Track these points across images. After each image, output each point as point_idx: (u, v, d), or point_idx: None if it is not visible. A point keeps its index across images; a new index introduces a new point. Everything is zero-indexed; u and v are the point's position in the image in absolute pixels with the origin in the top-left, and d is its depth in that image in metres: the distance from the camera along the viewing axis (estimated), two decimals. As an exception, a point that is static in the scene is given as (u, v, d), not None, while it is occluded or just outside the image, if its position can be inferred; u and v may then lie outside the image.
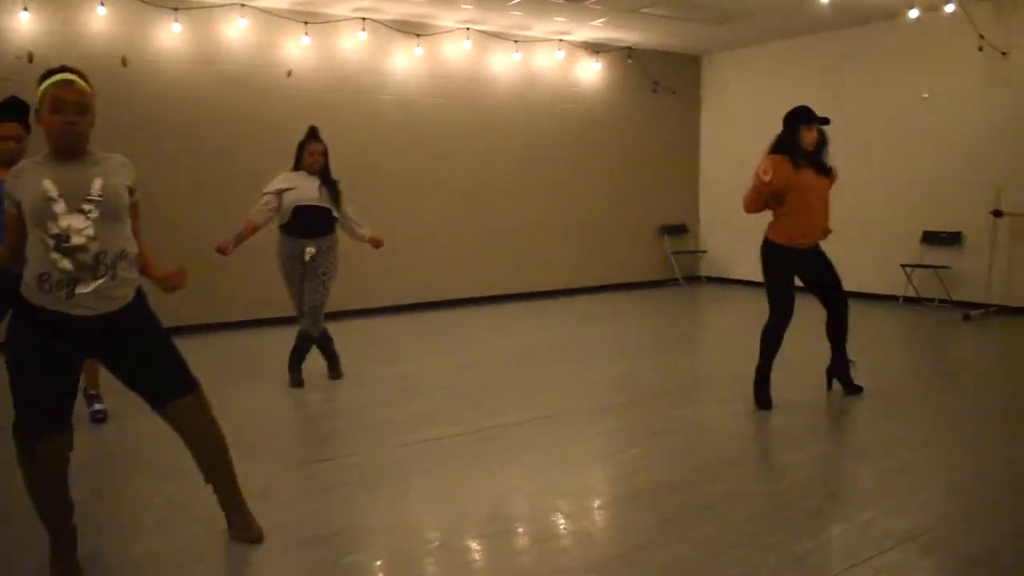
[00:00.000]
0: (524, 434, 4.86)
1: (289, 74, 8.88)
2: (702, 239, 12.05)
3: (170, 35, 8.27)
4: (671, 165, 11.70)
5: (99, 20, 7.97)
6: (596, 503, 3.91)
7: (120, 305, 2.98)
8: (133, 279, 3.06)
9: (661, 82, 11.41)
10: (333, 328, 6.52)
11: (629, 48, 11.05)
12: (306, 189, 5.80)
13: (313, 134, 5.98)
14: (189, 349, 3.45)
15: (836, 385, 5.63)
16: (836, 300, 5.35)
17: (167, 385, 3.13)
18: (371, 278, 9.43)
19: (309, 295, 5.88)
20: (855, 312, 5.66)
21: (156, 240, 8.14)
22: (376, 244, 6.26)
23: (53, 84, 2.89)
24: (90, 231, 2.86)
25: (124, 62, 8.09)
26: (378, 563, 3.24)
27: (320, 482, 4.12)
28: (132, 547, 3.38)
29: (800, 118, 5.11)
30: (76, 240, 2.84)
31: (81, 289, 2.87)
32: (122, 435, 4.97)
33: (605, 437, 4.85)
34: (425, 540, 3.44)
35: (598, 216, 11.10)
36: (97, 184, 2.92)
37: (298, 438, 5.04)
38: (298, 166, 5.93)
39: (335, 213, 5.94)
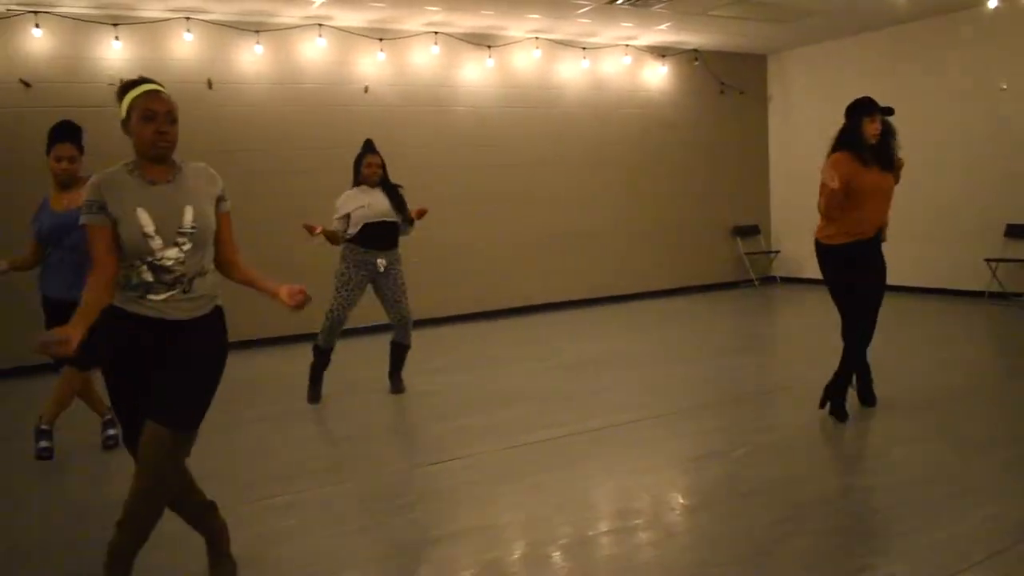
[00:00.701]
0: (630, 434, 4.93)
1: (366, 90, 9.08)
2: (774, 239, 11.99)
3: (252, 57, 8.53)
4: (741, 165, 11.68)
5: (185, 45, 8.25)
6: (716, 499, 3.95)
7: (187, 316, 2.93)
8: (204, 294, 2.98)
9: (728, 83, 11.41)
10: (419, 336, 6.65)
11: (695, 50, 11.07)
12: (375, 204, 5.91)
13: (369, 147, 6.09)
14: (276, 360, 3.55)
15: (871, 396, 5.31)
16: (876, 304, 5.00)
17: (159, 402, 2.85)
18: (452, 285, 9.61)
19: (396, 308, 6.04)
20: (940, 308, 5.58)
21: (243, 256, 8.47)
22: (420, 214, 6.18)
23: (142, 95, 2.92)
24: (180, 258, 2.90)
25: (210, 84, 8.36)
26: (516, 558, 3.33)
27: (445, 483, 4.23)
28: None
29: (862, 109, 4.85)
30: (166, 263, 2.88)
31: (153, 297, 2.89)
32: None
33: (709, 436, 4.89)
34: (558, 536, 3.52)
35: (670, 219, 11.13)
36: (188, 215, 2.92)
37: (412, 441, 5.15)
38: (358, 180, 6.06)
39: (401, 224, 6.03)
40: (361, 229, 5.89)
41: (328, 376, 6.16)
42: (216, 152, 8.35)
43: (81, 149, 4.80)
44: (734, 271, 11.72)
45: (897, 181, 5.01)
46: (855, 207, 4.83)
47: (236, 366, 7.35)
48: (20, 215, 5.35)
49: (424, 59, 9.39)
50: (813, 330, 8.16)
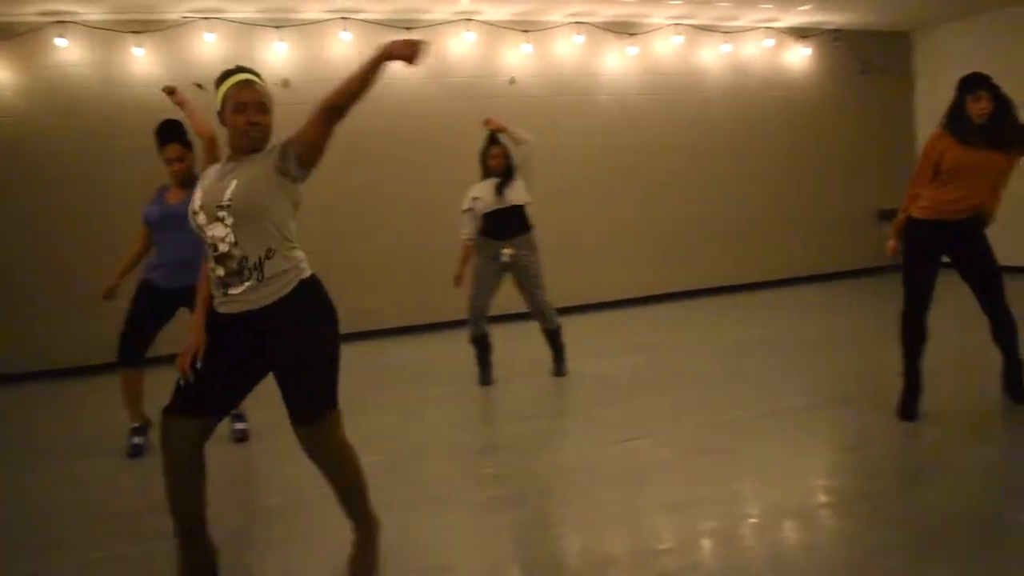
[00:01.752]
0: (810, 416, 4.93)
1: (512, 81, 9.26)
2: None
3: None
4: (886, 147, 11.37)
5: (343, 44, 8.59)
6: (919, 479, 3.94)
7: (271, 300, 2.89)
8: (282, 274, 2.92)
9: (870, 62, 11.13)
10: (578, 321, 6.75)
11: (836, 30, 10.84)
12: (487, 196, 6.05)
13: (491, 139, 6.20)
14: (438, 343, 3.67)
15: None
16: (991, 296, 4.70)
17: (292, 405, 2.95)
18: (596, 273, 9.72)
19: (531, 299, 6.21)
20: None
21: (400, 244, 8.84)
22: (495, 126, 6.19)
23: (233, 85, 2.93)
24: (231, 238, 2.84)
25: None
26: (738, 528, 3.42)
27: (642, 458, 4.35)
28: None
29: (964, 87, 4.48)
30: (221, 248, 2.86)
31: (233, 291, 2.90)
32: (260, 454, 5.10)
33: (876, 423, 4.80)
34: (775, 506, 3.59)
35: (813, 203, 10.95)
36: (230, 189, 2.84)
37: (597, 420, 5.22)
38: (486, 174, 6.22)
39: (517, 202, 6.07)
40: (483, 220, 6.08)
41: (508, 361, 6.37)
42: (370, 147, 8.74)
43: (188, 145, 4.93)
44: (880, 256, 11.41)
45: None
46: (945, 184, 4.56)
47: (401, 350, 7.67)
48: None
49: (567, 49, 9.51)
50: (965, 317, 7.91)
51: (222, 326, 2.97)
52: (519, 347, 7.26)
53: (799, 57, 10.78)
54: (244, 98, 2.91)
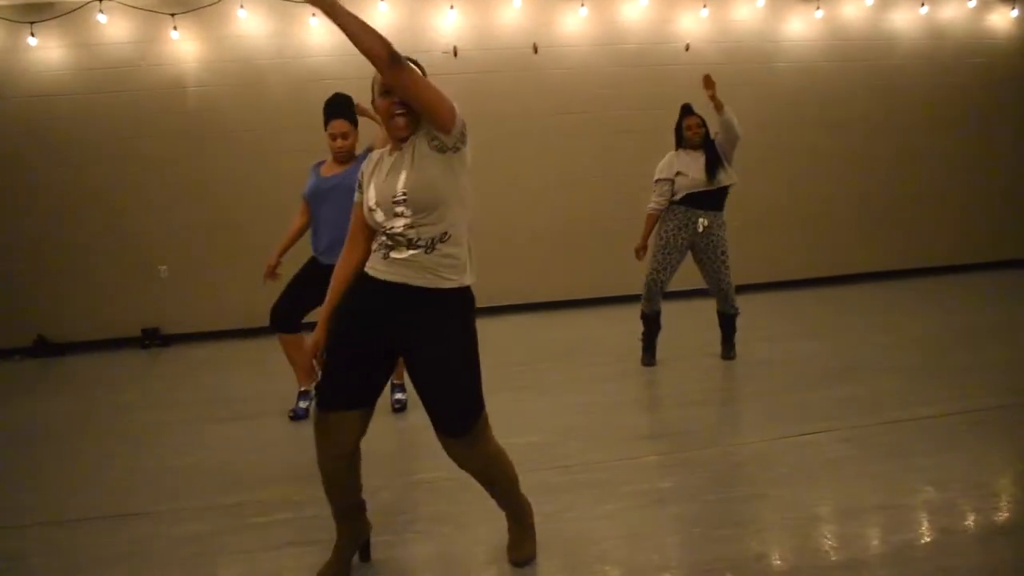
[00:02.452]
0: (1000, 421, 4.43)
1: (687, 48, 8.87)
2: None
3: (576, 20, 8.58)
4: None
5: (513, 11, 8.45)
6: None
7: (430, 284, 2.75)
8: (452, 261, 2.78)
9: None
10: (751, 301, 6.38)
11: (1053, -10, 9.80)
12: (694, 174, 5.79)
13: (687, 109, 5.98)
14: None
15: None
16: None
17: (436, 416, 2.84)
18: (777, 248, 9.30)
19: (715, 280, 5.93)
20: None
21: (561, 216, 8.69)
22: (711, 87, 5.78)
23: None
24: (408, 223, 2.75)
25: (535, 49, 8.53)
26: (919, 541, 3.08)
27: (819, 455, 4.03)
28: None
29: None
30: (395, 231, 2.76)
31: (396, 255, 2.77)
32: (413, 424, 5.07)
33: None
34: (952, 521, 3.23)
35: (1003, 184, 9.99)
36: (401, 181, 2.73)
37: (769, 409, 4.91)
38: (680, 144, 5.96)
39: (729, 182, 5.86)
40: (684, 197, 5.85)
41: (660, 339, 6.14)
42: (541, 116, 8.63)
43: (355, 123, 4.84)
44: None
45: None
46: None
47: (561, 326, 7.54)
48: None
49: (748, 13, 9.01)
50: None
51: (368, 295, 2.83)
52: (682, 326, 6.99)
53: (1006, 20, 9.80)
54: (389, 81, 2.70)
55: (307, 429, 4.78)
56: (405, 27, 8.28)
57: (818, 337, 6.72)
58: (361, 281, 2.88)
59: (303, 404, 5.18)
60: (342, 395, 2.82)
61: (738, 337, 6.23)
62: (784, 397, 5.07)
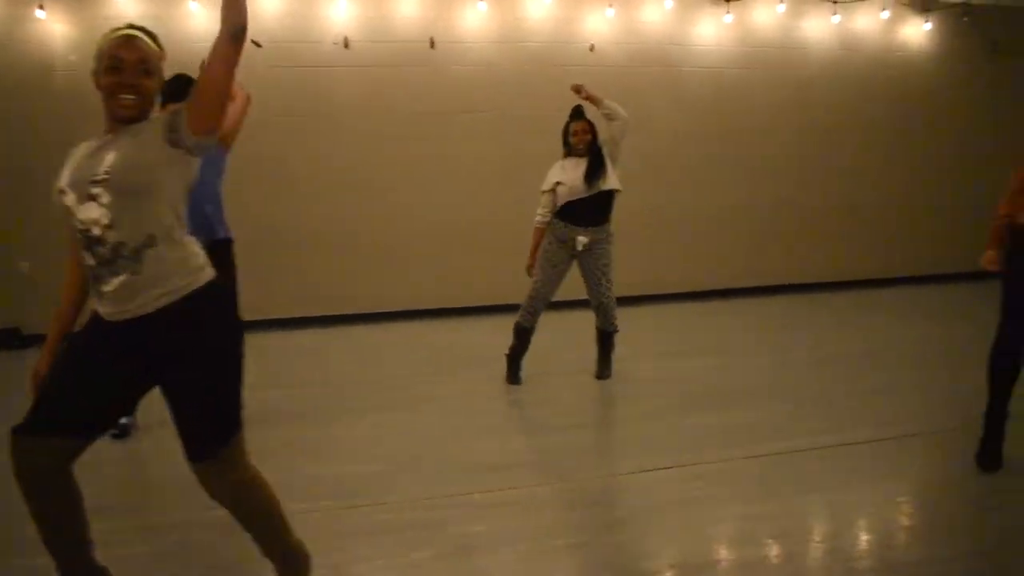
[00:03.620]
0: (897, 453, 4.16)
1: (592, 49, 8.54)
2: None
3: (476, 15, 8.20)
4: (1016, 139, 10.13)
5: (409, 3, 8.03)
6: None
7: (152, 308, 2.36)
8: (167, 274, 2.39)
9: (1003, 42, 9.91)
10: (646, 314, 6.10)
11: (965, 3, 9.67)
12: (572, 181, 5.45)
13: (575, 113, 5.61)
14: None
15: None
16: None
17: (185, 439, 2.46)
18: (681, 260, 9.01)
19: (595, 293, 5.62)
20: None
21: (462, 217, 8.29)
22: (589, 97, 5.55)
23: (110, 41, 2.45)
24: (106, 219, 2.32)
25: (432, 44, 8.12)
26: None
27: (662, 496, 3.68)
28: None
29: None
30: (95, 232, 2.33)
31: (105, 288, 2.38)
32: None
33: (951, 470, 4.01)
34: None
35: (923, 198, 9.86)
36: (107, 161, 2.33)
37: (626, 439, 4.63)
38: (567, 151, 5.63)
39: (609, 187, 5.46)
40: (563, 207, 5.51)
41: (533, 354, 5.78)
42: (437, 114, 8.21)
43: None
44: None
45: None
46: None
47: (427, 333, 7.14)
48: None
49: (656, 15, 8.71)
50: None
51: (103, 331, 2.44)
52: (565, 340, 6.64)
53: (919, 33, 9.66)
54: (121, 54, 2.41)
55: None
56: (292, 15, 7.80)
57: (707, 355, 6.44)
58: (93, 320, 2.49)
59: (124, 419, 4.64)
60: (41, 417, 2.39)
61: (621, 353, 5.92)
62: (652, 424, 4.76)
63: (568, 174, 5.49)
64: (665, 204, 8.85)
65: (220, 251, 4.26)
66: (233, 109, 4.40)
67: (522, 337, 5.76)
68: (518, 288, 7.77)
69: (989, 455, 3.92)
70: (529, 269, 5.70)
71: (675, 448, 4.28)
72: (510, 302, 8.27)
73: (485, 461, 4.16)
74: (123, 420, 4.62)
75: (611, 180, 5.47)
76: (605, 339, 5.80)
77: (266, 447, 4.25)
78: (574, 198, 5.44)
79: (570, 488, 3.82)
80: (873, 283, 9.75)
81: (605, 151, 5.51)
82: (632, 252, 8.02)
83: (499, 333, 7.17)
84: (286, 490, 2.78)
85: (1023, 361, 3.87)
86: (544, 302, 5.65)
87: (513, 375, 5.75)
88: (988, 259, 4.05)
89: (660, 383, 5.59)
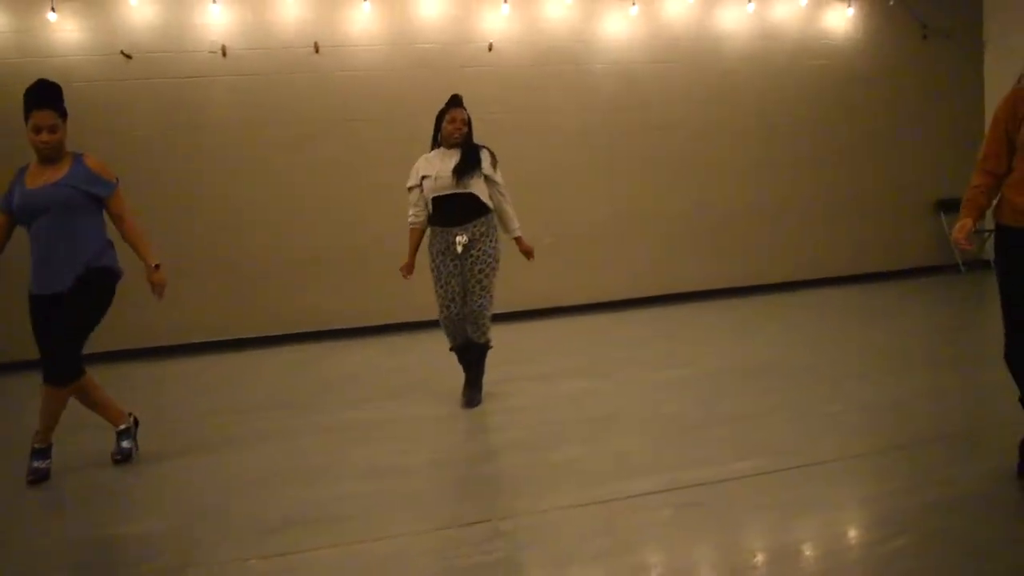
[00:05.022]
0: (777, 489, 3.59)
1: (490, 48, 8.04)
2: (989, 214, 9.91)
3: (361, 16, 7.68)
4: (948, 126, 9.67)
5: (289, 6, 7.51)
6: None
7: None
8: None
9: (932, 26, 9.46)
10: (522, 330, 5.58)
11: (891, -13, 9.22)
12: (441, 173, 4.96)
13: (454, 101, 5.09)
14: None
15: None
16: None
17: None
18: (584, 270, 8.45)
19: (469, 297, 5.04)
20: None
21: (351, 237, 7.74)
22: (525, 251, 5.28)
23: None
24: None
25: (316, 48, 7.61)
26: None
27: (492, 557, 3.13)
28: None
29: None
30: None
31: None
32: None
33: (879, 503, 3.48)
34: None
35: (855, 192, 9.36)
36: None
37: (459, 483, 4.07)
38: (437, 142, 5.11)
39: (480, 195, 5.00)
40: (432, 204, 5.02)
41: (403, 376, 5.26)
42: (324, 122, 7.68)
43: (64, 114, 4.09)
44: (936, 254, 9.76)
45: None
46: None
47: (329, 358, 6.57)
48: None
49: (557, 11, 8.20)
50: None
51: None
52: (436, 363, 6.07)
53: (843, 19, 9.19)
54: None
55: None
56: (164, 23, 7.28)
57: (613, 372, 5.88)
58: None
59: (126, 444, 4.44)
60: None
61: (519, 370, 5.40)
62: (493, 462, 4.23)
63: (435, 166, 5.00)
64: (570, 208, 8.32)
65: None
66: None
67: (463, 357, 5.29)
68: (406, 307, 7.39)
69: None
70: (404, 270, 5.16)
71: (526, 489, 3.74)
72: (398, 320, 7.80)
73: (277, 516, 3.59)
74: (125, 444, 4.43)
75: (479, 188, 4.98)
76: (475, 355, 5.24)
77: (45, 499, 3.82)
78: (441, 193, 4.95)
79: (363, 551, 3.27)
80: (807, 284, 9.24)
81: (485, 162, 5.03)
82: (533, 262, 7.53)
83: (398, 353, 6.71)
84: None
85: None
86: (457, 317, 5.09)
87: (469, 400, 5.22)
88: (962, 228, 3.55)
89: (532, 412, 5.04)
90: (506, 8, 7.96)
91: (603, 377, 5.77)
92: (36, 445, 4.21)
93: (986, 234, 9.65)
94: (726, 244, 8.93)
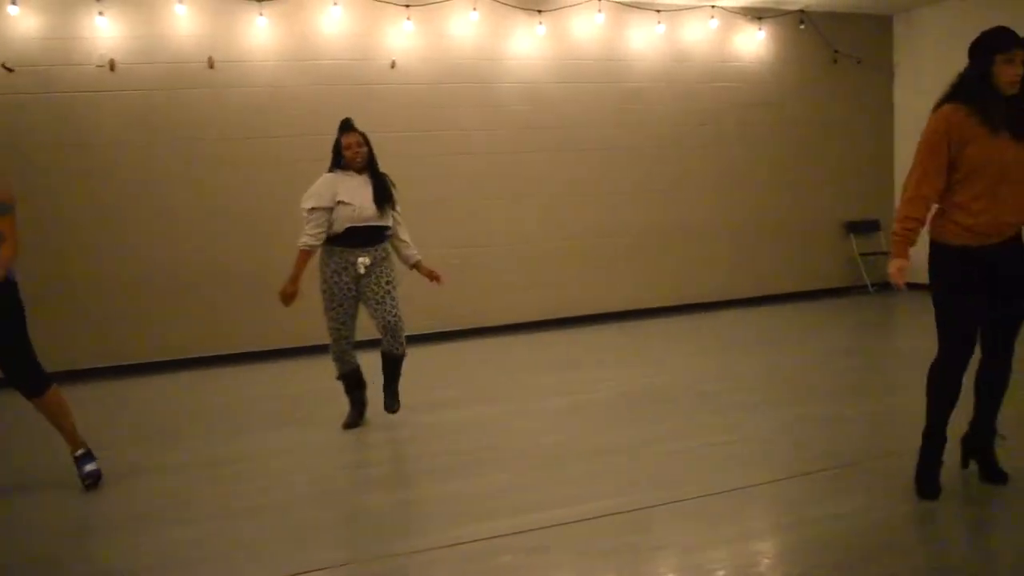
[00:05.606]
0: (601, 534, 3.45)
1: (393, 65, 7.85)
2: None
3: (258, 32, 7.45)
4: (858, 149, 9.75)
5: (180, 20, 7.24)
6: None
7: None
8: None
9: (842, 50, 9.52)
10: (426, 353, 5.40)
11: (801, 11, 9.25)
12: (362, 204, 4.82)
13: (344, 126, 4.98)
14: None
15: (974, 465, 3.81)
16: (1004, 334, 3.53)
17: None
18: (495, 292, 8.29)
19: (380, 312, 4.89)
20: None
21: (248, 250, 7.46)
22: (432, 277, 5.16)
23: None
24: None
25: (211, 64, 7.35)
26: None
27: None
28: None
29: (992, 44, 3.31)
30: None
31: None
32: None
33: (719, 540, 3.35)
34: None
35: (767, 213, 9.37)
36: None
37: (321, 523, 3.86)
38: (339, 164, 4.94)
39: (390, 224, 4.98)
40: (344, 230, 4.83)
41: (276, 405, 5.02)
42: (220, 140, 7.41)
43: None
44: (846, 275, 9.81)
45: None
46: (989, 189, 3.32)
47: (205, 387, 6.29)
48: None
49: (462, 28, 8.06)
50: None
51: None
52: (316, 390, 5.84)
53: (754, 42, 9.20)
54: None
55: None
56: (49, 35, 6.96)
57: (492, 400, 5.72)
58: None
59: (89, 467, 4.25)
60: None
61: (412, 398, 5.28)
62: (362, 499, 4.01)
63: (354, 195, 4.83)
64: (475, 228, 8.16)
65: None
66: None
67: (349, 381, 5.16)
68: (288, 332, 7.16)
69: (929, 481, 3.55)
70: (285, 296, 4.87)
71: (368, 535, 3.54)
72: (289, 345, 7.55)
73: (120, 565, 3.33)
74: (90, 468, 4.25)
75: (389, 216, 4.96)
76: (393, 365, 5.08)
77: None
78: (359, 224, 4.81)
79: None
80: (713, 306, 9.18)
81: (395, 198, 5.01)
82: (461, 282, 7.35)
83: (253, 383, 6.48)
84: None
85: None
86: (348, 342, 5.02)
87: (356, 415, 5.16)
88: (901, 270, 3.47)
89: (410, 443, 4.85)
90: (409, 25, 7.79)
91: (494, 404, 5.62)
92: (74, 454, 4.24)
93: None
94: (637, 265, 8.85)
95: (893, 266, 3.47)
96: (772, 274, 9.44)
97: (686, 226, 9.03)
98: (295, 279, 4.87)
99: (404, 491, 4.05)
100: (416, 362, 5.52)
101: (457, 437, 4.89)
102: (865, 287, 9.72)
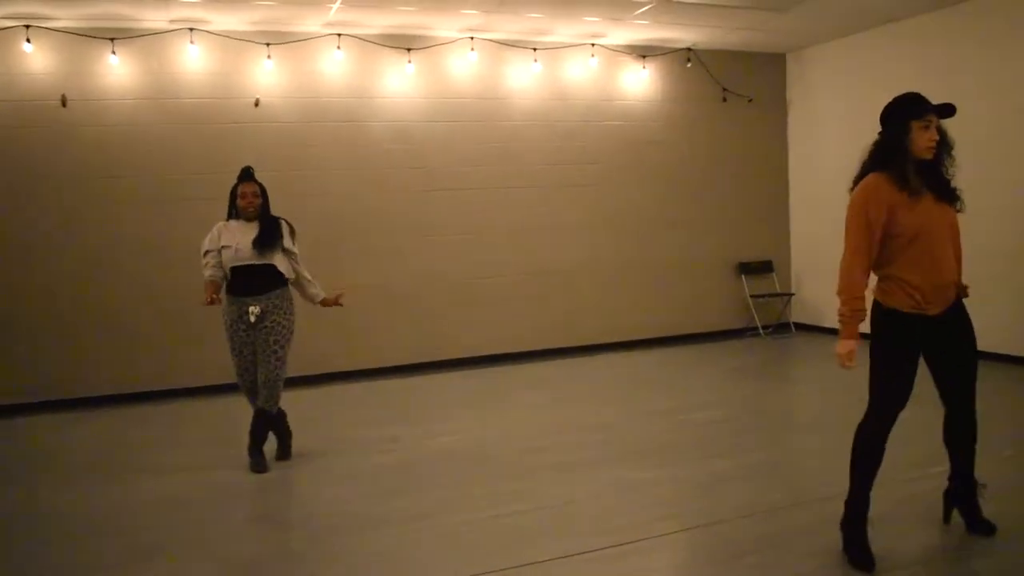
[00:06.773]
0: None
1: (256, 104, 7.73)
2: (794, 278, 9.81)
3: (114, 70, 7.32)
4: (750, 189, 9.60)
5: (30, 58, 7.11)
6: None
7: None
8: None
9: (734, 88, 9.41)
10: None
11: (688, 49, 9.16)
12: (241, 245, 5.02)
13: (243, 175, 5.19)
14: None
15: (957, 517, 3.70)
16: (962, 388, 3.48)
17: None
18: (367, 334, 8.09)
19: (262, 367, 5.00)
20: (1006, 379, 3.64)
21: (117, 297, 7.27)
22: (331, 303, 5.39)
23: None
24: None
25: (63, 102, 7.22)
26: None
27: None
28: None
29: (908, 109, 3.31)
30: None
31: None
32: None
33: None
34: None
35: (656, 255, 9.19)
36: None
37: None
38: (233, 214, 5.18)
39: (279, 266, 5.08)
40: (231, 273, 5.06)
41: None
42: (73, 179, 7.25)
43: None
44: (738, 317, 9.58)
45: (960, 211, 3.47)
46: (924, 256, 3.31)
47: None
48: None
49: (327, 66, 7.94)
50: (831, 401, 6.22)
51: None
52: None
53: (639, 80, 9.09)
54: None
55: None
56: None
57: (309, 458, 5.48)
58: None
59: None
60: None
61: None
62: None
63: (236, 237, 5.04)
64: (351, 268, 7.95)
65: None
66: None
67: (257, 419, 5.22)
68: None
69: (863, 550, 3.37)
70: (209, 299, 4.96)
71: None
72: (182, 386, 7.32)
73: None
74: None
75: (279, 260, 5.10)
76: (267, 424, 5.21)
77: None
78: (240, 264, 4.99)
79: None
80: (587, 350, 8.92)
81: (285, 234, 5.17)
82: (319, 327, 7.14)
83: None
84: None
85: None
86: (253, 385, 5.16)
87: (257, 460, 5.16)
88: (851, 353, 3.36)
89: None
90: (269, 64, 7.67)
91: (308, 461, 5.38)
92: None
93: (786, 298, 9.54)
94: (519, 307, 8.65)
95: (843, 348, 3.35)
96: (661, 315, 9.23)
97: (571, 267, 8.85)
98: (208, 295, 4.96)
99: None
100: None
101: (236, 502, 4.66)
102: (756, 329, 9.47)
